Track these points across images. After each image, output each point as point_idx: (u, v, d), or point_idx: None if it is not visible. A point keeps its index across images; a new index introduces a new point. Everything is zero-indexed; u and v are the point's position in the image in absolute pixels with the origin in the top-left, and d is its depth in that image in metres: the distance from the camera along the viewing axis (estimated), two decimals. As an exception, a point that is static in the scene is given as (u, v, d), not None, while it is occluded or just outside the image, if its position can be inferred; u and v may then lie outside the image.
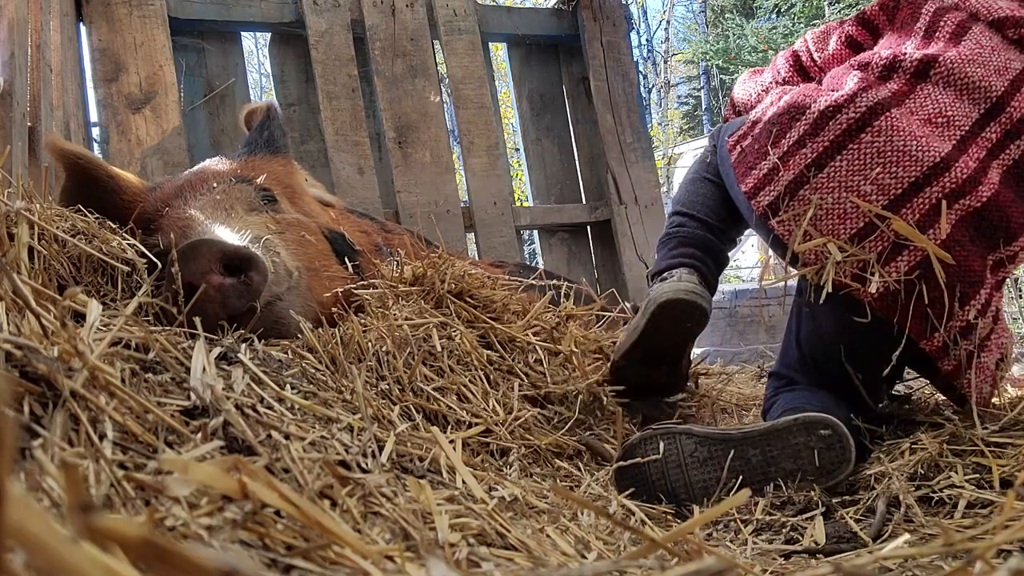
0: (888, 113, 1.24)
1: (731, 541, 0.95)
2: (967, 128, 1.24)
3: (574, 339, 1.37)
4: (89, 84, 2.49)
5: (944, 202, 1.18)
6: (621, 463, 1.11)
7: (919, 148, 1.20)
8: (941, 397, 1.45)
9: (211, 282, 0.98)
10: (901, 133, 1.22)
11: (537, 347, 1.32)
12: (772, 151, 1.29)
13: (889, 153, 1.21)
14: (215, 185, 1.34)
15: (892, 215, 1.18)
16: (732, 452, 1.11)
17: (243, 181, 1.38)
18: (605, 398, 1.31)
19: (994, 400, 1.28)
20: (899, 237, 1.17)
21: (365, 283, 1.31)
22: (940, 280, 1.13)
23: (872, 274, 1.16)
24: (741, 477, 1.11)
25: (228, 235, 1.13)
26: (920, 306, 1.17)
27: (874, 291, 1.16)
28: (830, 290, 1.16)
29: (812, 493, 1.06)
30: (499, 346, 1.30)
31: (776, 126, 1.31)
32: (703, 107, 15.64)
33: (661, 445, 1.12)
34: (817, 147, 1.25)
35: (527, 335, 1.33)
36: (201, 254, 0.99)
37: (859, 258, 1.19)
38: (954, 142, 1.22)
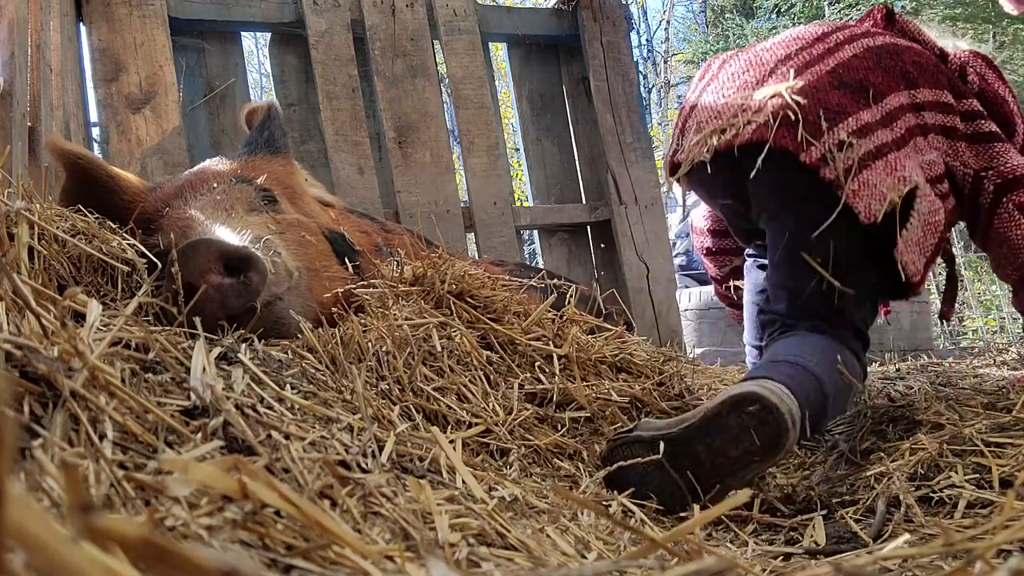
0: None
1: (731, 541, 0.95)
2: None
3: (575, 343, 1.37)
4: (89, 84, 2.49)
5: (792, 71, 1.46)
6: (605, 475, 1.10)
7: (758, 60, 1.54)
8: (944, 398, 1.45)
9: (210, 282, 0.98)
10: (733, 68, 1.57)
11: (536, 354, 1.32)
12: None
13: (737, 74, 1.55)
14: (215, 185, 1.34)
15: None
16: (678, 451, 1.09)
17: (243, 181, 1.37)
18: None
19: (1000, 402, 1.30)
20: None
21: (365, 283, 1.31)
22: (794, 108, 1.37)
23: (747, 124, 1.41)
24: (696, 478, 1.08)
25: (228, 235, 1.13)
26: (793, 129, 1.37)
27: (750, 132, 1.39)
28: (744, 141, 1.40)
29: (812, 493, 1.06)
30: (499, 347, 1.30)
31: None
32: (703, 107, 15.60)
33: (622, 454, 1.11)
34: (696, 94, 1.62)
35: (527, 341, 1.32)
36: (200, 254, 0.99)
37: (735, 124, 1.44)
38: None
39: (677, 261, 4.64)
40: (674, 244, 4.62)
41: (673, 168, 1.58)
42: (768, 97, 1.42)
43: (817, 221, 1.33)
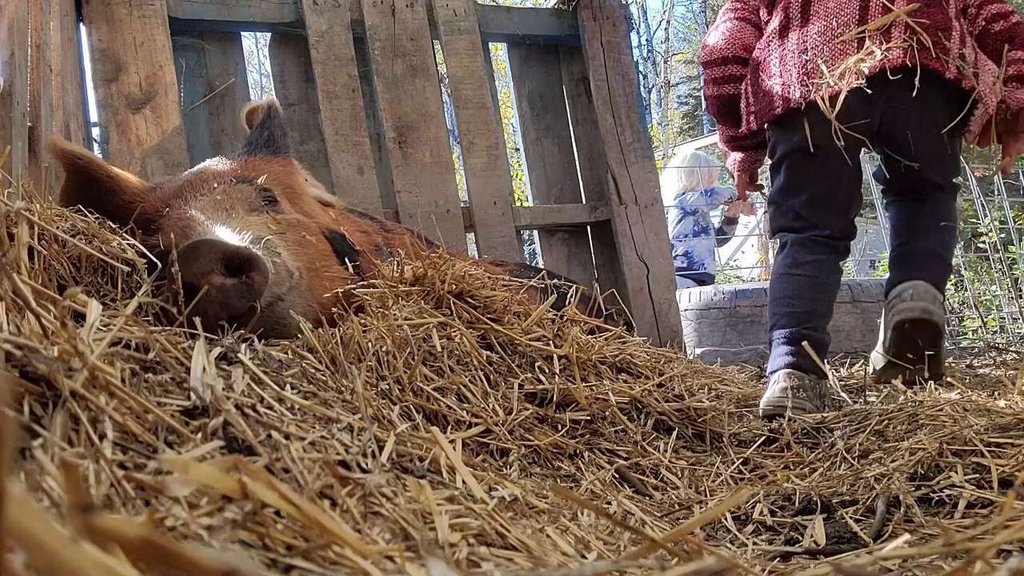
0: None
1: (731, 541, 0.95)
2: None
3: (575, 343, 1.37)
4: (89, 84, 2.49)
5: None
6: None
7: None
8: (943, 397, 1.45)
9: (212, 282, 0.98)
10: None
11: (536, 355, 1.32)
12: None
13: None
14: (216, 185, 1.34)
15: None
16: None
17: (243, 181, 1.37)
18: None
19: (999, 402, 1.30)
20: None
21: (366, 283, 1.31)
22: (922, 31, 1.63)
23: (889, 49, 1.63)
24: None
25: (229, 235, 1.13)
26: (927, 50, 1.63)
27: (900, 54, 1.63)
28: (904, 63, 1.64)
29: (812, 493, 1.06)
30: (499, 347, 1.30)
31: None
32: (703, 107, 15.63)
33: None
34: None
35: (527, 342, 1.32)
36: (202, 254, 0.99)
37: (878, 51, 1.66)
38: None
39: (676, 263, 4.67)
40: (673, 246, 4.66)
41: (828, 101, 1.66)
42: (890, 24, 1.66)
43: (949, 120, 1.69)
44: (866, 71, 1.62)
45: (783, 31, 1.77)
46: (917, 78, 1.62)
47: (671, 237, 4.51)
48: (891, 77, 1.61)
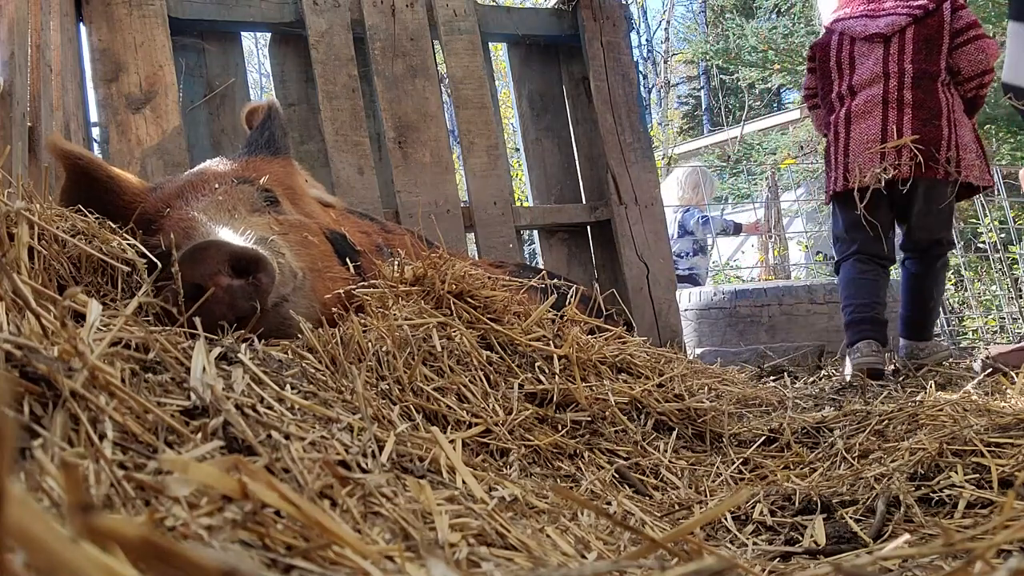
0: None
1: (731, 541, 0.95)
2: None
3: (575, 343, 1.37)
4: (89, 84, 2.49)
5: (908, 126, 2.45)
6: None
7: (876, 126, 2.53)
8: (945, 396, 1.45)
9: (219, 283, 0.98)
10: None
11: (536, 355, 1.32)
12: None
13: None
14: (217, 186, 1.34)
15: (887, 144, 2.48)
16: None
17: (245, 182, 1.37)
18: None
19: (1000, 402, 1.30)
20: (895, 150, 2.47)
21: (367, 283, 1.31)
22: (920, 154, 2.40)
23: (896, 166, 2.43)
24: None
25: (234, 236, 1.13)
26: (926, 162, 2.40)
27: (906, 171, 2.41)
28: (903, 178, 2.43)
29: (812, 493, 1.06)
30: (499, 347, 1.29)
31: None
32: (703, 107, 15.62)
33: None
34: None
35: (527, 342, 1.32)
36: (210, 255, 0.99)
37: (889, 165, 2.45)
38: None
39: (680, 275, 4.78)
40: (676, 262, 4.76)
41: (853, 191, 2.49)
42: (900, 146, 2.42)
43: (945, 197, 2.47)
44: (886, 178, 2.41)
45: (838, 128, 2.57)
46: (917, 182, 2.45)
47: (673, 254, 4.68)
48: (901, 187, 2.41)
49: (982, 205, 5.92)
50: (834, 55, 2.62)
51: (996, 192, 5.95)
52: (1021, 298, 5.83)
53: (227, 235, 1.12)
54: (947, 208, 2.50)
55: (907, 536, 0.84)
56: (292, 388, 0.86)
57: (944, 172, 2.41)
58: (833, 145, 2.61)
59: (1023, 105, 2.58)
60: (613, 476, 1.16)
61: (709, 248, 5.42)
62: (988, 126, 6.75)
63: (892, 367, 2.50)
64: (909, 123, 2.43)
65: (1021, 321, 5.59)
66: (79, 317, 0.77)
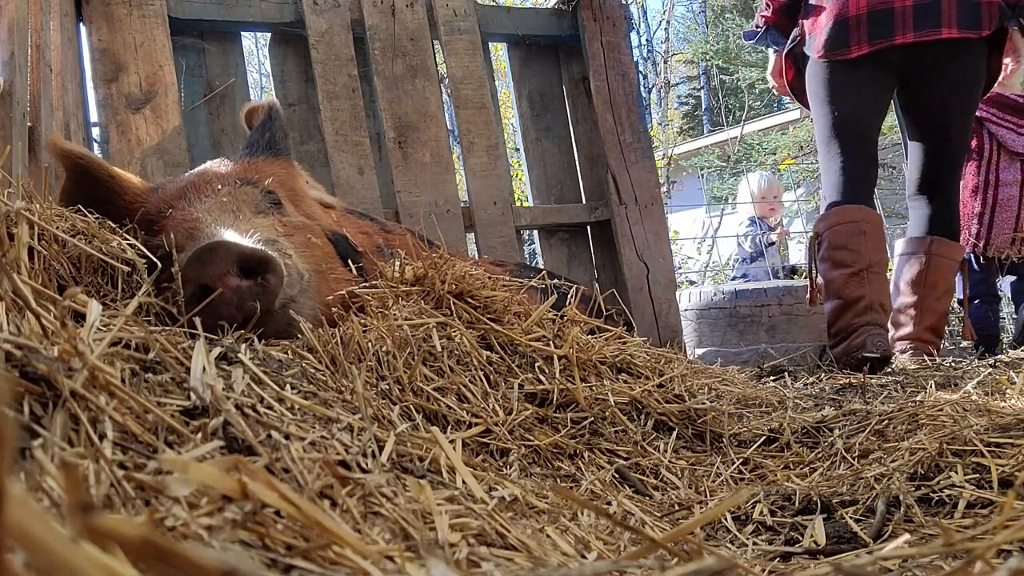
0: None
1: (731, 541, 0.95)
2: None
3: (575, 344, 1.37)
4: (89, 84, 2.49)
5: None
6: None
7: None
8: (945, 396, 1.45)
9: (228, 284, 0.98)
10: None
11: (536, 355, 1.32)
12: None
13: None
14: (220, 187, 1.34)
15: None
16: None
17: (248, 183, 1.37)
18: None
19: (1000, 402, 1.30)
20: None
21: (368, 284, 1.32)
22: None
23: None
24: None
25: (240, 238, 1.13)
26: None
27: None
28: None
29: (812, 493, 1.05)
30: (499, 347, 1.29)
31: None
32: (703, 107, 15.62)
33: None
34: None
35: (527, 342, 1.32)
36: (218, 256, 0.99)
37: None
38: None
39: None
40: (736, 266, 4.89)
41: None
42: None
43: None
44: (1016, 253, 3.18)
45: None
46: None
47: (739, 260, 5.20)
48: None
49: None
50: None
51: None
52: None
53: (234, 236, 1.13)
54: None
55: (907, 536, 0.84)
56: (292, 388, 0.86)
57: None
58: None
59: None
60: (613, 476, 1.16)
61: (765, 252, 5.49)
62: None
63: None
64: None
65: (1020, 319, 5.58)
66: (79, 317, 0.77)
